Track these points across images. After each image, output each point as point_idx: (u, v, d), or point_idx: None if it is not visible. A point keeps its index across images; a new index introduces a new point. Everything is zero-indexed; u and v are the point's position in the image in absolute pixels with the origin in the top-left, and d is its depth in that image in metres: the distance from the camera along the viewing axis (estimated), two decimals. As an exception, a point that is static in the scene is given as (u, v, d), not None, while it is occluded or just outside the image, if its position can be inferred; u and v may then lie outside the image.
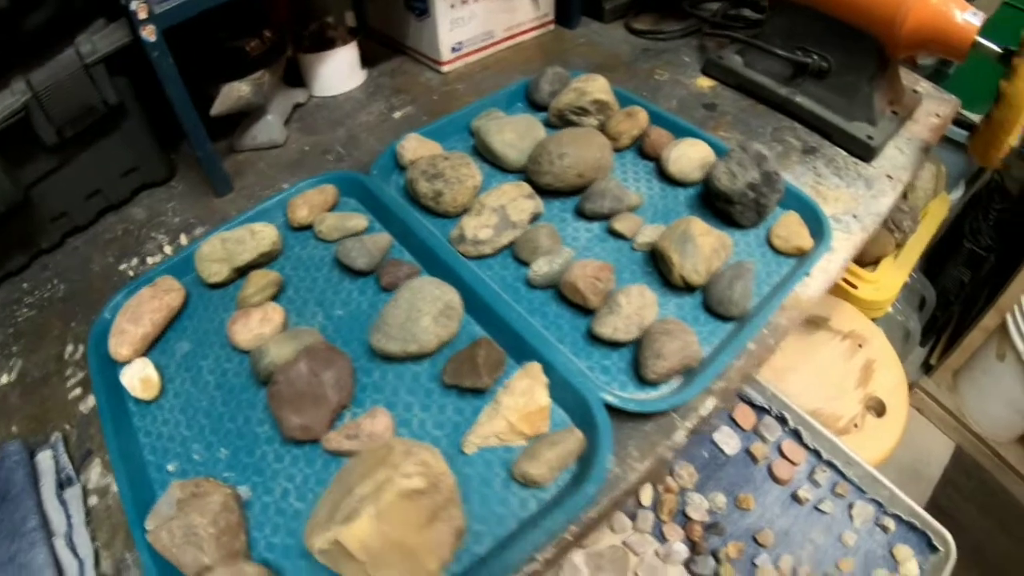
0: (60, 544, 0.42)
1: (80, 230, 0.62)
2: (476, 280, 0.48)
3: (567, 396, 0.42)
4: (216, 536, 0.38)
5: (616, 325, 0.45)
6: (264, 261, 0.53)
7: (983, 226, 1.25)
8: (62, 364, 0.52)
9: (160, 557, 0.38)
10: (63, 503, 0.44)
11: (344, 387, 0.44)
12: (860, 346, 0.87)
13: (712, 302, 0.48)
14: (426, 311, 0.45)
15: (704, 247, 0.48)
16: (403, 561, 0.34)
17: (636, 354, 0.45)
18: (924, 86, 0.79)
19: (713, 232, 0.50)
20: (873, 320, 0.99)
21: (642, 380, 0.44)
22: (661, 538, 0.59)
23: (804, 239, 0.53)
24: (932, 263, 1.39)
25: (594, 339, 0.46)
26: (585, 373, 0.43)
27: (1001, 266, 1.19)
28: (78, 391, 0.50)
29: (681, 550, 0.58)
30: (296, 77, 0.73)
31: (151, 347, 0.50)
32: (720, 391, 0.45)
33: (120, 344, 0.48)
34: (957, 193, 1.30)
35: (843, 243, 0.57)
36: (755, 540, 0.60)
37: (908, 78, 0.78)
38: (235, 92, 0.63)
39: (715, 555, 0.58)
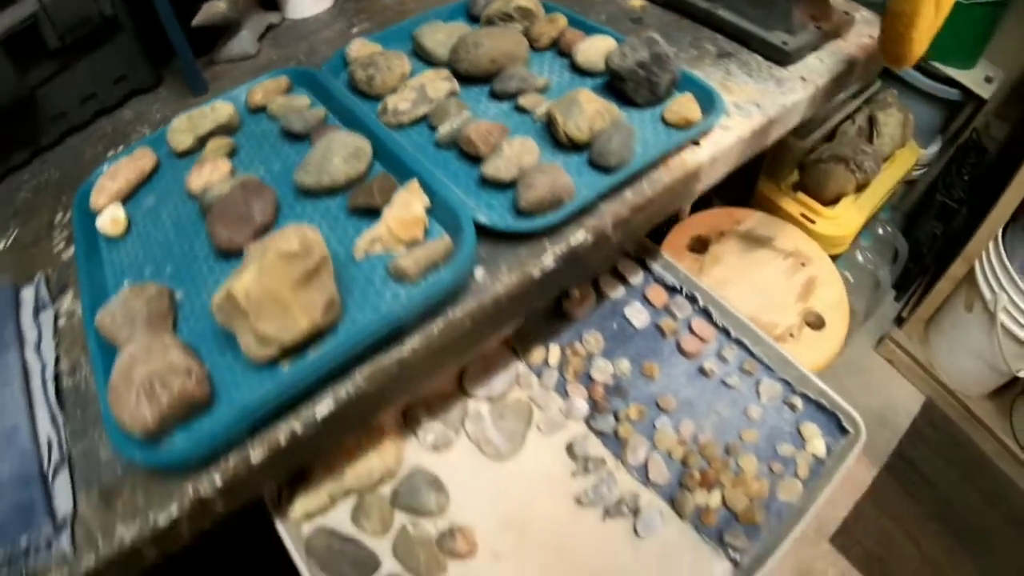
0: (30, 352, 0.50)
1: (76, 130, 0.72)
2: (387, 136, 0.56)
3: (446, 217, 0.49)
4: (147, 317, 0.47)
5: (498, 165, 0.52)
6: (222, 132, 0.62)
7: (956, 180, 1.26)
8: (51, 229, 0.61)
9: (104, 344, 0.46)
10: (37, 323, 0.53)
11: (268, 213, 0.52)
12: (803, 265, 0.91)
13: (593, 156, 0.54)
14: (337, 152, 0.53)
15: (588, 109, 0.55)
16: (279, 314, 0.42)
17: (515, 192, 0.51)
18: (864, 14, 0.83)
19: (601, 101, 0.56)
20: (834, 258, 1.02)
21: (519, 212, 0.50)
22: (565, 395, 0.64)
23: (693, 112, 0.59)
24: (910, 221, 1.40)
25: (483, 182, 0.53)
26: (463, 199, 0.50)
27: (972, 219, 1.20)
28: (62, 245, 0.59)
29: (582, 407, 0.63)
30: (272, 1, 0.82)
31: (125, 201, 0.59)
32: (592, 227, 0.51)
33: (98, 196, 0.57)
34: (933, 148, 1.31)
35: (740, 123, 0.62)
36: (657, 405, 0.65)
37: (848, 5, 0.83)
38: (213, 8, 0.72)
39: (616, 415, 0.63)
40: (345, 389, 0.44)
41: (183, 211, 0.56)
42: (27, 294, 0.55)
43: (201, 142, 0.62)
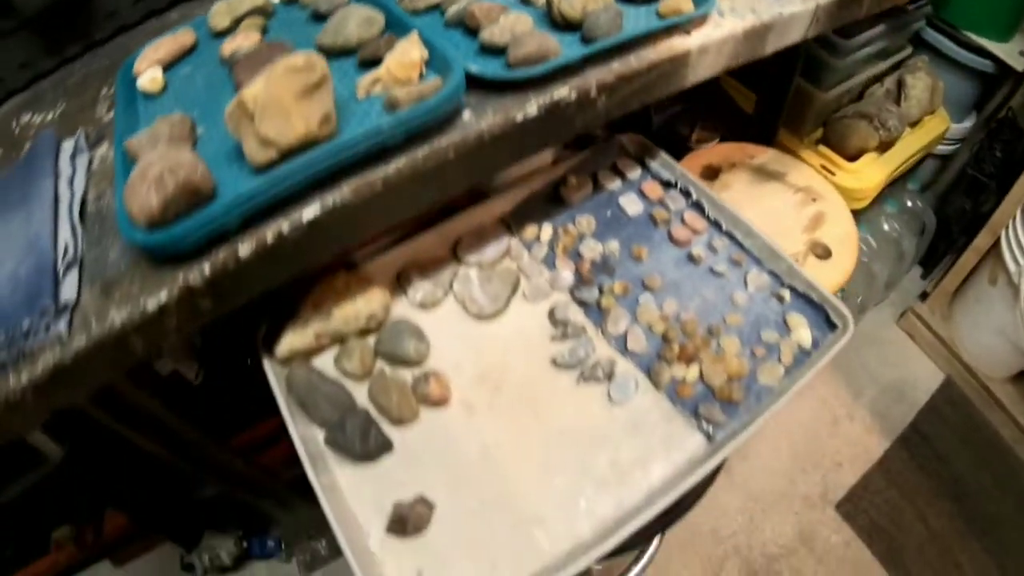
0: (63, 184, 0.55)
1: (127, 29, 0.78)
2: (399, 11, 0.61)
3: (441, 66, 0.54)
4: (169, 138, 0.53)
5: (493, 31, 0.57)
6: (257, 14, 0.69)
7: (988, 155, 1.24)
8: (96, 101, 0.67)
9: (129, 161, 0.51)
10: (73, 164, 0.58)
11: (287, 65, 0.58)
12: (813, 200, 0.91)
13: (585, 33, 0.58)
14: (353, 19, 0.59)
15: (584, -6, 0.59)
16: (280, 119, 0.47)
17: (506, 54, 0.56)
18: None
19: (597, -10, 0.60)
20: (855, 213, 1.01)
21: (508, 69, 0.55)
22: (552, 267, 0.67)
23: (686, 4, 0.62)
24: (942, 200, 1.37)
25: (482, 50, 0.58)
26: (457, 55, 0.55)
27: (1001, 193, 1.17)
28: (104, 111, 0.65)
29: (568, 278, 0.66)
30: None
31: (165, 70, 0.66)
32: (576, 87, 0.55)
33: (142, 62, 0.64)
34: (967, 124, 1.29)
35: (732, 23, 0.65)
36: (643, 283, 0.67)
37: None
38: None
39: (600, 288, 0.66)
40: (332, 197, 0.48)
41: (215, 75, 0.63)
42: (67, 144, 0.61)
43: (237, 23, 0.68)
